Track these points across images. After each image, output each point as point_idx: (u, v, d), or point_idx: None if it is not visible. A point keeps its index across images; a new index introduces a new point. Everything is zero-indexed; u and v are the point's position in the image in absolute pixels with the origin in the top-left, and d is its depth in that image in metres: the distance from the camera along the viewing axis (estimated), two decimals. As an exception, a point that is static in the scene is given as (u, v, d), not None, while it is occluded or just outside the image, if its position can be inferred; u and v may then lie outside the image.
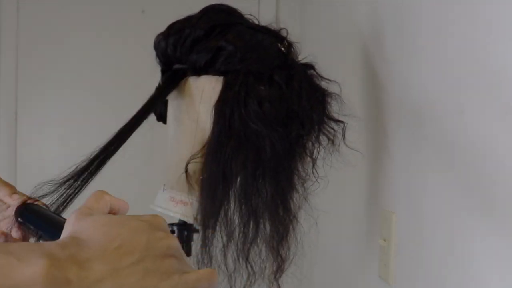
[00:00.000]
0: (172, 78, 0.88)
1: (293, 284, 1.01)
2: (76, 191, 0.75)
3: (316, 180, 0.89)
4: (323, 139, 0.87)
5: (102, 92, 2.08)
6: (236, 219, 0.85)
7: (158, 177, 0.95)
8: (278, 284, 0.88)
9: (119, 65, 2.06)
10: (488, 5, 0.65)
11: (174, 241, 0.45)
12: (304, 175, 0.87)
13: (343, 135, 0.89)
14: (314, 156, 0.88)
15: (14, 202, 0.70)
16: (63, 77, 2.08)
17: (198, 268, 0.83)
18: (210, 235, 0.84)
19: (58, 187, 0.73)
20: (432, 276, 0.80)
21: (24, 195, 0.72)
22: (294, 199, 0.87)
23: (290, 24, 0.97)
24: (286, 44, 0.89)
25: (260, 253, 0.86)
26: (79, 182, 0.76)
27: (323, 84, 0.90)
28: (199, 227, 0.86)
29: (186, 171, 0.85)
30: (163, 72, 0.92)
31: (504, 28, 0.62)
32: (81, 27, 2.07)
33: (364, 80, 1.11)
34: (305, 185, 0.88)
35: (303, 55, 0.92)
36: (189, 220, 0.89)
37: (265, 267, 0.87)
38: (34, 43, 2.06)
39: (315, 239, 1.01)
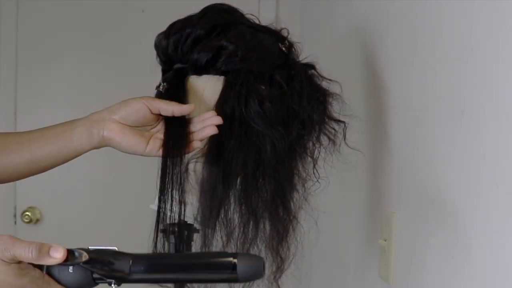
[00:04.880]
0: (177, 79, 0.88)
1: (293, 285, 1.01)
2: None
3: (317, 180, 0.89)
4: (323, 139, 0.87)
5: (102, 91, 2.07)
6: (236, 219, 0.85)
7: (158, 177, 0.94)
8: (278, 285, 0.88)
9: (119, 65, 2.06)
10: (488, 5, 0.65)
11: None
12: (304, 175, 0.87)
13: (344, 135, 0.89)
14: (314, 156, 0.88)
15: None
16: (63, 77, 2.08)
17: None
18: (210, 235, 0.84)
19: None
20: (432, 276, 0.80)
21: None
22: (294, 199, 0.87)
23: (290, 24, 0.97)
24: (287, 44, 0.89)
25: (260, 253, 0.86)
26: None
27: (324, 84, 0.90)
28: (199, 227, 0.86)
29: (187, 170, 0.85)
30: (164, 71, 0.92)
31: (504, 28, 0.62)
32: (81, 26, 2.07)
33: (365, 80, 1.11)
34: (305, 185, 0.88)
35: (304, 55, 0.92)
36: (189, 220, 0.88)
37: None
38: (34, 43, 2.06)
39: (315, 239, 1.01)
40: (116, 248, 0.63)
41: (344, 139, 0.89)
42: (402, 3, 0.92)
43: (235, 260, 0.62)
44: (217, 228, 0.84)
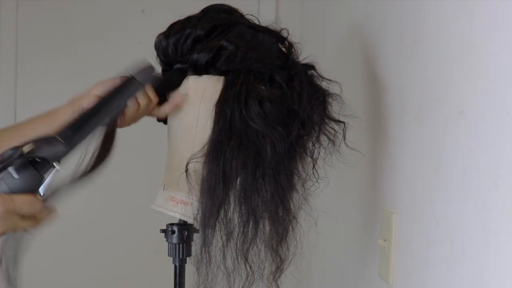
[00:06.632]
0: (177, 79, 0.88)
1: (292, 285, 1.01)
2: None
3: (317, 180, 0.89)
4: (323, 139, 0.87)
5: (101, 91, 2.07)
6: (235, 219, 0.85)
7: (158, 177, 0.95)
8: (277, 285, 0.88)
9: (119, 65, 2.06)
10: (488, 5, 0.65)
11: None
12: (304, 175, 0.87)
13: (344, 135, 0.89)
14: (314, 156, 0.88)
15: None
16: (63, 77, 2.08)
17: (197, 270, 0.84)
18: (210, 235, 0.84)
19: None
20: (432, 276, 0.80)
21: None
22: (294, 199, 0.87)
23: (290, 24, 0.97)
24: (287, 44, 0.90)
25: (259, 253, 0.86)
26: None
27: (324, 84, 0.91)
28: (199, 227, 0.86)
29: (187, 170, 0.85)
30: (164, 71, 0.92)
31: (504, 27, 0.62)
32: (80, 26, 2.07)
33: (364, 80, 1.11)
34: (305, 185, 0.88)
35: (304, 55, 0.92)
36: (189, 220, 0.89)
37: (264, 267, 0.87)
38: (34, 43, 2.06)
39: (315, 239, 1.01)
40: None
41: (344, 139, 0.89)
42: (402, 3, 0.92)
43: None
44: (217, 228, 0.84)
